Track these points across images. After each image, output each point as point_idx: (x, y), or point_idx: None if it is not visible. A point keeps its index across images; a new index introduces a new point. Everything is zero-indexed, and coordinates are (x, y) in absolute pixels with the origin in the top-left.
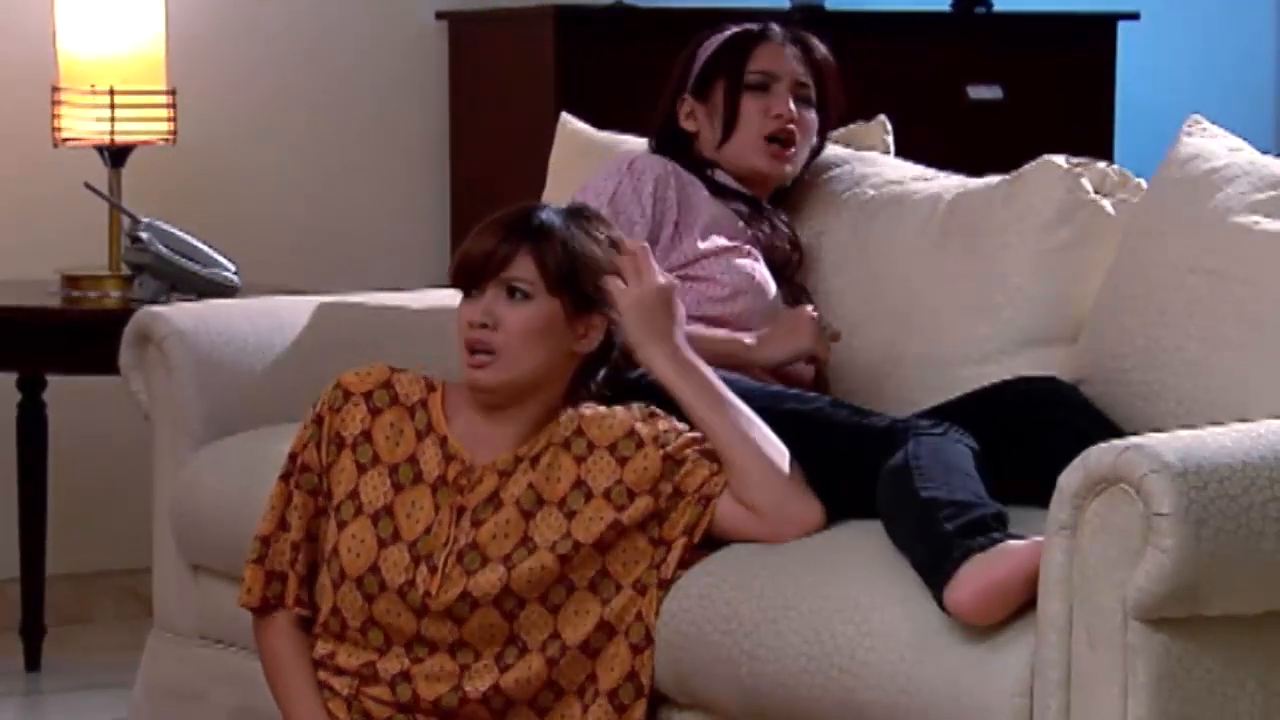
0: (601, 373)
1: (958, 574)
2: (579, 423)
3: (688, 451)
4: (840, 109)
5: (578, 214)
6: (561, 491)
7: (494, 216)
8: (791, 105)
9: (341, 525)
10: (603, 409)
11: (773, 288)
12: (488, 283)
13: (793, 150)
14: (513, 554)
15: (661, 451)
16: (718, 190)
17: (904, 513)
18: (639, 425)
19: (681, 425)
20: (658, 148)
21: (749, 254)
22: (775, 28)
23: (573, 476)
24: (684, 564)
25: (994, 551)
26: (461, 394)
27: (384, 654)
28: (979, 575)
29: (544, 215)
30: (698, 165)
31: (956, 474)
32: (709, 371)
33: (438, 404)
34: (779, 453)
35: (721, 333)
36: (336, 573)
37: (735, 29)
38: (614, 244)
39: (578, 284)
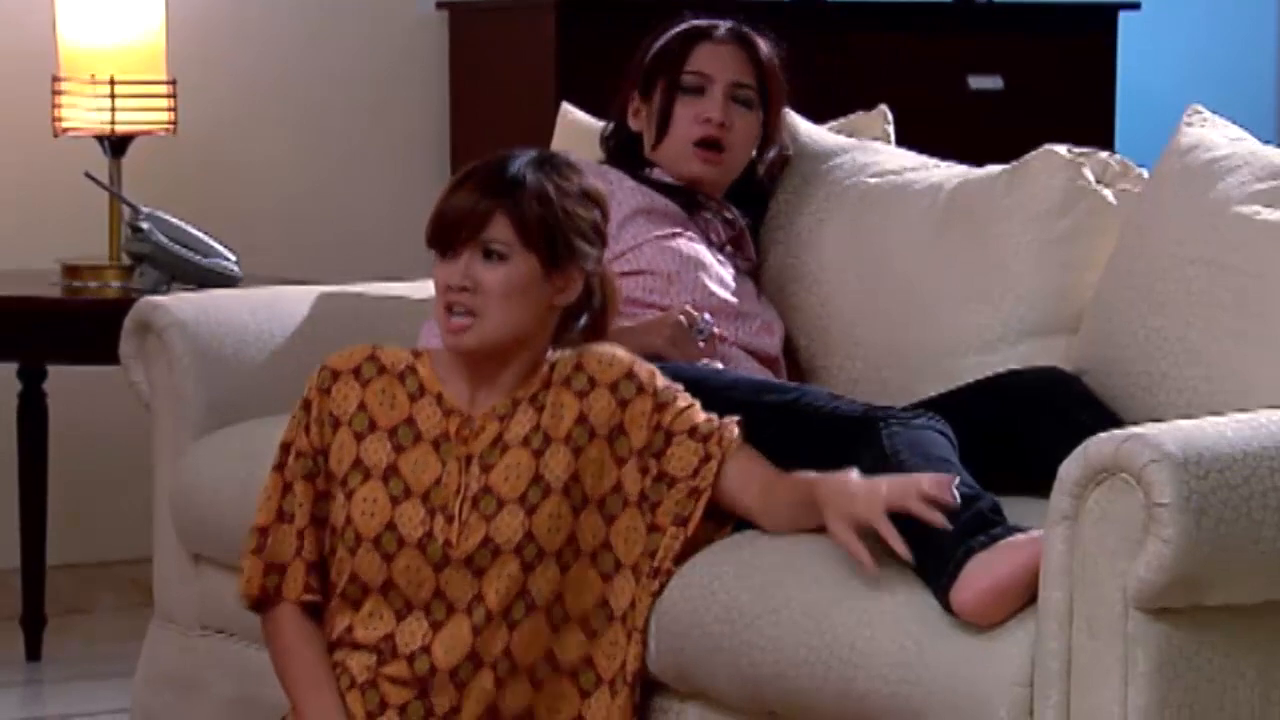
0: (584, 319)
1: (961, 575)
2: (578, 359)
3: (677, 426)
4: (781, 107)
5: (550, 163)
6: (566, 428)
7: (466, 171)
8: (721, 110)
9: (350, 494)
10: (602, 346)
11: (711, 261)
12: (464, 244)
13: (723, 153)
14: (528, 493)
15: (656, 418)
16: (655, 188)
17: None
18: (638, 367)
19: (684, 397)
20: (610, 150)
21: (683, 236)
22: (721, 26)
23: (575, 412)
24: (679, 558)
25: (995, 549)
26: (448, 357)
27: (403, 619)
28: (982, 575)
29: (516, 169)
30: (638, 164)
31: (938, 464)
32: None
33: (427, 367)
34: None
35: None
36: (352, 539)
37: (682, 26)
38: (586, 194)
39: (553, 239)
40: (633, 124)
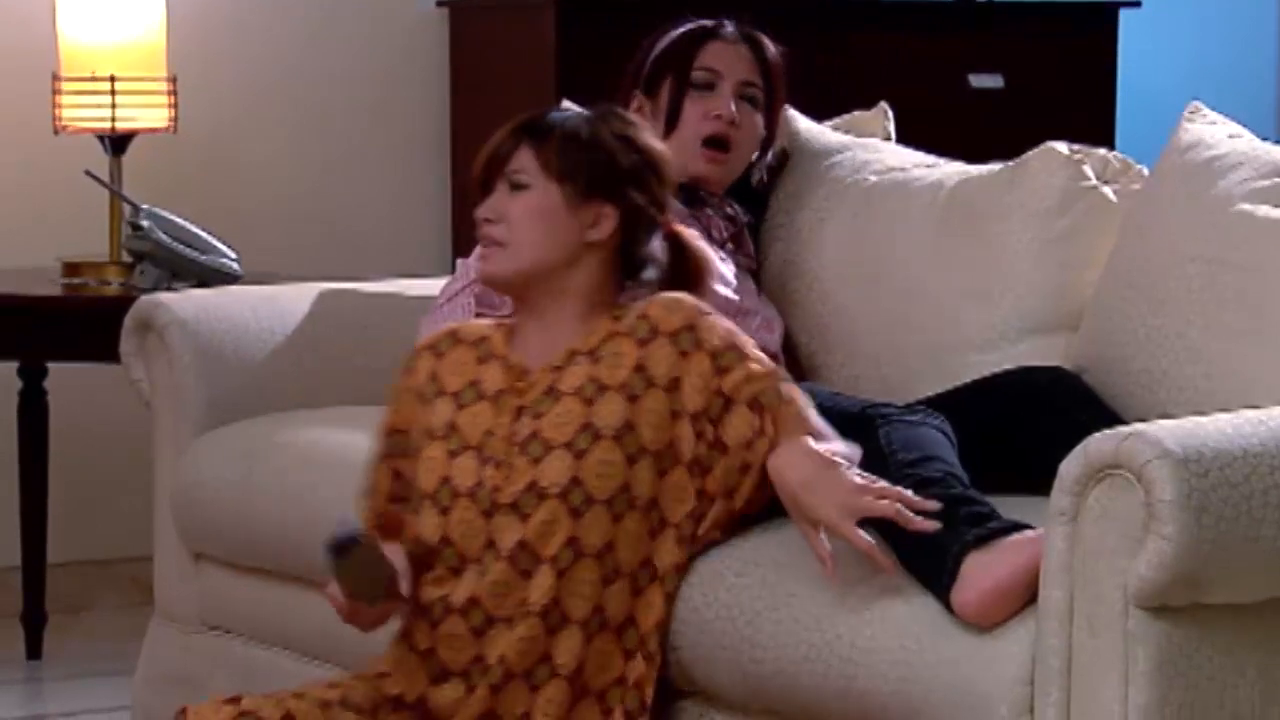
0: (650, 272)
1: (961, 575)
2: (645, 306)
3: (737, 394)
4: (782, 108)
5: (598, 111)
6: (622, 376)
7: None
8: (733, 106)
9: (419, 458)
10: (670, 293)
11: (712, 257)
12: (496, 179)
13: (729, 154)
14: (576, 439)
15: (716, 382)
16: None
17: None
18: (701, 319)
19: (749, 359)
20: None
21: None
22: (728, 25)
23: (633, 361)
24: (721, 526)
25: (993, 549)
26: (519, 323)
27: (458, 575)
28: (983, 576)
29: (557, 114)
30: None
31: (935, 461)
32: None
33: (501, 335)
34: None
35: None
36: (418, 499)
37: (689, 25)
38: (627, 140)
39: (579, 171)
40: None
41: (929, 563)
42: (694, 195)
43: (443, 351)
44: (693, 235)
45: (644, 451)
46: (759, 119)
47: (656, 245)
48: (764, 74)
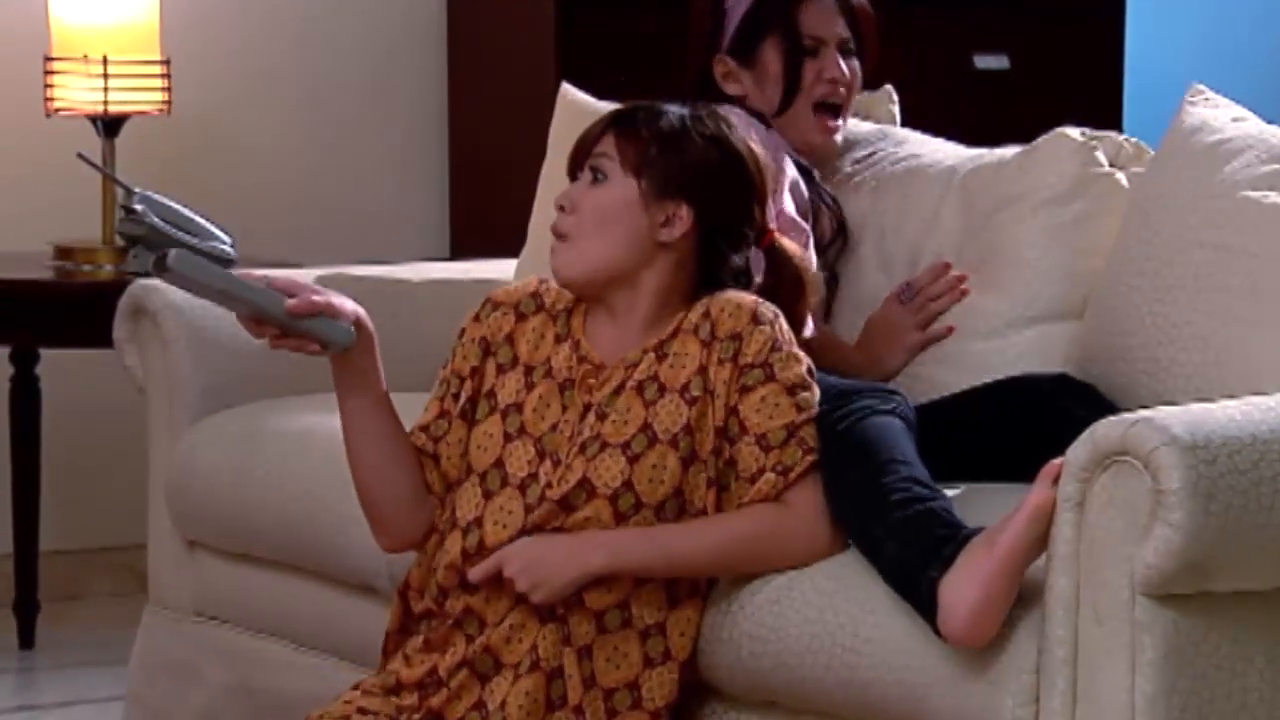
0: (735, 282)
1: (940, 607)
2: (709, 304)
3: (750, 423)
4: (875, 54)
5: (694, 109)
6: (685, 378)
7: None
8: (842, 65)
9: (475, 424)
10: (732, 292)
11: (816, 276)
12: (580, 168)
13: (840, 120)
14: (632, 441)
15: (736, 399)
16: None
17: (853, 531)
18: (751, 329)
19: (786, 371)
20: None
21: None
22: None
23: (696, 363)
24: None
25: (958, 568)
26: (593, 313)
27: (469, 559)
28: (958, 602)
29: (650, 106)
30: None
31: (891, 467)
32: (627, 539)
33: (582, 312)
34: (732, 537)
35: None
36: (463, 470)
37: None
38: (716, 140)
39: (655, 166)
40: (729, 88)
41: (910, 594)
42: (810, 177)
43: (524, 314)
44: (795, 249)
45: (696, 458)
46: (858, 66)
47: (748, 258)
48: (853, 24)
